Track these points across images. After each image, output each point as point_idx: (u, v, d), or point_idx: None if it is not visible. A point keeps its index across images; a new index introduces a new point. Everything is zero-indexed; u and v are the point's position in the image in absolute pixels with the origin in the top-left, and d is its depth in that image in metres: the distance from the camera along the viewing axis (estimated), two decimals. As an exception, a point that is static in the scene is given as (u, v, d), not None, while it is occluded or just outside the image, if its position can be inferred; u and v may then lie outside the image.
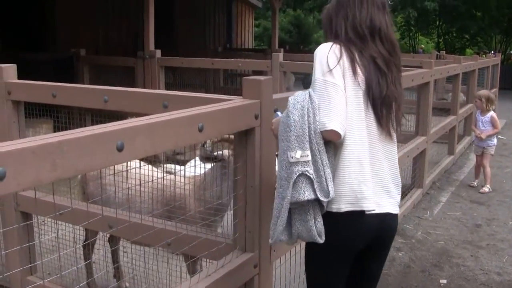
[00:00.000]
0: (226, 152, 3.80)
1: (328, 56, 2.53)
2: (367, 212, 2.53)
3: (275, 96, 3.10)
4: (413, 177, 7.62)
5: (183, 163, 6.08)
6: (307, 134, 2.40)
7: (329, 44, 2.60)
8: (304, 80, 18.87)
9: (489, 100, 8.39)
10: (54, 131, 7.51)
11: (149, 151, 2.23)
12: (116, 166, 3.06)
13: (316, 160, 2.41)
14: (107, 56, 11.48)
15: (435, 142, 8.84)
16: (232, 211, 3.21)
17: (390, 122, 2.63)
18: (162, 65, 9.16)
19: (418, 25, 35.76)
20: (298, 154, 2.39)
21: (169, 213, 3.68)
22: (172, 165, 5.18)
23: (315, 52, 2.61)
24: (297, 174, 2.39)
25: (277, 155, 2.85)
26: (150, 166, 3.78)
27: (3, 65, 3.65)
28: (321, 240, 2.48)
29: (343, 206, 2.50)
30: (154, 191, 3.80)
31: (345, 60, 2.54)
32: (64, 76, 9.06)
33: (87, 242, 4.45)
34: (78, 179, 4.41)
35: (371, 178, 2.56)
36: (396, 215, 2.72)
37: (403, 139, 7.42)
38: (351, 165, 2.51)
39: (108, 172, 3.81)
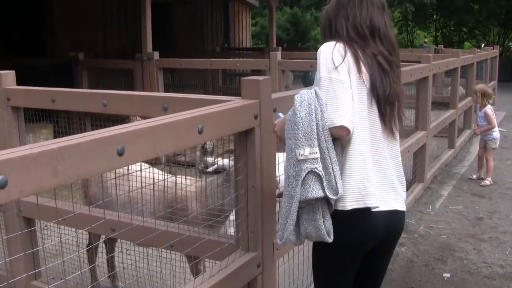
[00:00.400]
0: (226, 161, 3.80)
1: (333, 54, 2.53)
2: (373, 210, 2.54)
3: (274, 95, 3.11)
4: (414, 172, 7.63)
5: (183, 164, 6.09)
6: (315, 131, 2.39)
7: (333, 43, 2.60)
8: (304, 78, 18.89)
9: (485, 95, 8.34)
10: (54, 136, 7.56)
11: (150, 155, 2.24)
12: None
13: (324, 158, 2.40)
14: (106, 59, 11.49)
15: (435, 136, 8.85)
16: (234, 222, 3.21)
17: (392, 120, 2.65)
18: (160, 66, 9.17)
19: (416, 19, 35.73)
20: (306, 151, 2.38)
21: (171, 215, 3.70)
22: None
23: (318, 51, 2.61)
24: (306, 171, 2.37)
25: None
26: (153, 169, 3.79)
27: (1, 72, 3.66)
28: (330, 239, 2.47)
29: (348, 204, 2.51)
30: (156, 193, 3.81)
31: (350, 58, 2.55)
32: (63, 80, 9.10)
33: (91, 246, 4.47)
34: (80, 183, 4.42)
35: (375, 175, 2.57)
36: (403, 212, 2.73)
37: (403, 134, 7.44)
38: (354, 162, 2.52)
39: (109, 175, 3.82)
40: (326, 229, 2.45)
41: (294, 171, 2.41)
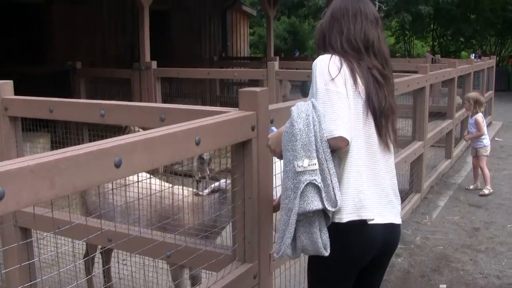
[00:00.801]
0: (223, 182, 3.79)
1: (329, 65, 2.55)
2: (369, 222, 2.54)
3: (271, 107, 3.12)
4: (411, 182, 7.64)
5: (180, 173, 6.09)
6: (314, 142, 2.38)
7: (328, 55, 2.62)
8: (302, 87, 18.91)
9: (477, 103, 8.41)
10: (52, 145, 7.56)
11: (147, 166, 2.24)
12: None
13: (323, 169, 2.39)
14: (104, 68, 11.49)
15: (432, 146, 8.87)
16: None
17: (388, 133, 2.65)
18: (158, 76, 9.18)
19: (413, 29, 35.85)
20: (305, 162, 2.36)
21: (167, 225, 3.70)
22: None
23: (314, 63, 2.62)
24: (305, 183, 2.36)
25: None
26: (151, 179, 3.80)
27: (-1, 82, 3.67)
28: (326, 253, 2.45)
29: (345, 216, 2.50)
30: (153, 203, 3.82)
31: (346, 70, 2.56)
32: (60, 89, 9.11)
33: (88, 257, 4.46)
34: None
35: (371, 188, 2.57)
36: (399, 225, 2.74)
37: (400, 145, 7.45)
38: (350, 174, 2.53)
39: (108, 184, 3.82)
40: (323, 243, 2.44)
41: (293, 183, 2.39)
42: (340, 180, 2.51)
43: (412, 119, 7.46)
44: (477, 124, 8.27)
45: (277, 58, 13.30)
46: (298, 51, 37.59)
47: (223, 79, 13.26)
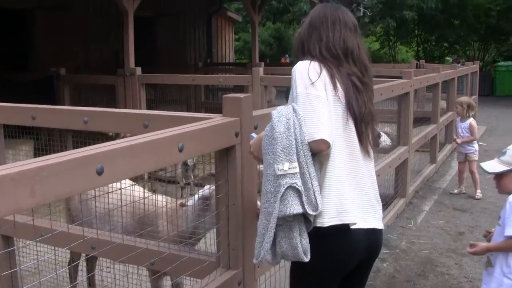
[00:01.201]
0: (207, 189, 3.77)
1: (308, 70, 2.55)
2: (352, 227, 2.53)
3: (255, 112, 3.11)
4: (396, 187, 7.66)
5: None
6: (294, 145, 2.37)
7: (308, 61, 2.62)
8: (287, 93, 18.92)
9: (469, 107, 8.45)
10: (35, 152, 7.50)
11: (130, 173, 2.23)
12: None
13: (303, 173, 2.38)
14: (88, 74, 11.44)
15: (417, 151, 8.90)
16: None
17: (368, 140, 2.67)
18: (143, 82, 9.13)
19: (398, 34, 36.06)
20: (286, 166, 2.35)
21: (150, 232, 3.68)
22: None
23: (293, 69, 2.62)
24: (285, 187, 2.34)
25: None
26: (136, 186, 3.78)
27: (-19, 89, 3.64)
28: (307, 259, 2.43)
29: (326, 220, 2.49)
30: (137, 210, 3.80)
31: (325, 74, 2.57)
32: (44, 96, 9.04)
33: (72, 264, 4.43)
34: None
35: (353, 193, 2.57)
36: (381, 230, 2.74)
37: (385, 150, 7.48)
38: (332, 178, 2.52)
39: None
40: (303, 248, 2.42)
41: (273, 187, 2.37)
42: (321, 184, 2.50)
43: (397, 124, 7.48)
44: (472, 129, 8.28)
45: (262, 64, 13.32)
46: (288, 55, 37.58)
47: (208, 85, 13.25)
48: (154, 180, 8.09)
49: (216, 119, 2.86)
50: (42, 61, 12.11)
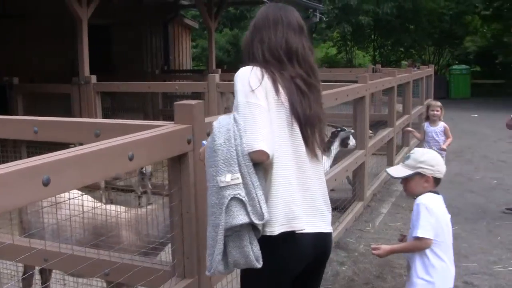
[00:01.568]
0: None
1: (250, 78, 2.54)
2: (298, 232, 2.52)
3: (207, 119, 3.09)
4: (353, 191, 7.71)
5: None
6: (235, 156, 2.37)
7: (249, 67, 2.61)
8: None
9: (442, 110, 8.30)
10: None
11: (78, 184, 2.19)
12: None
13: (246, 183, 2.37)
14: (43, 83, 11.26)
15: (374, 154, 8.97)
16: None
17: (315, 142, 2.65)
18: (98, 90, 9.03)
19: (354, 39, 36.47)
20: (228, 177, 2.35)
21: (104, 243, 3.62)
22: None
23: (235, 75, 2.61)
24: (229, 198, 2.34)
25: None
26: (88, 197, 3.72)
27: None
28: (259, 265, 2.44)
29: (276, 228, 2.49)
30: (89, 220, 3.73)
31: (267, 81, 2.55)
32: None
33: (22, 277, 4.33)
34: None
35: (301, 198, 2.57)
36: (330, 233, 2.75)
37: (341, 154, 7.53)
38: (279, 186, 2.51)
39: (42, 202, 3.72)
40: (254, 255, 2.42)
41: (217, 199, 2.37)
42: (268, 192, 2.50)
43: (353, 128, 7.53)
44: (447, 131, 8.08)
45: (219, 70, 13.29)
46: None
47: (166, 92, 13.17)
48: (112, 189, 8.01)
49: (167, 127, 2.83)
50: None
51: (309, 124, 2.61)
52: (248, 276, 2.66)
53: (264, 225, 2.46)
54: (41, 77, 12.11)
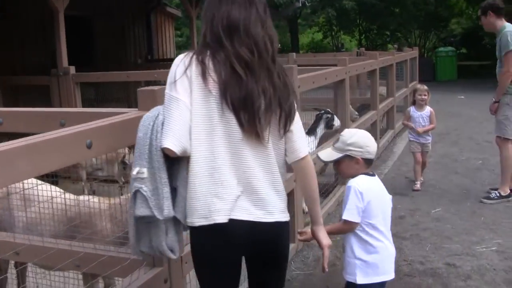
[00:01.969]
0: None
1: (177, 68, 2.50)
2: (226, 221, 2.46)
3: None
4: (336, 175, 7.67)
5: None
6: (147, 151, 2.41)
7: (182, 55, 2.55)
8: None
9: (429, 94, 8.12)
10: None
11: (32, 174, 2.14)
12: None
13: (155, 178, 2.41)
14: (22, 76, 11.16)
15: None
16: None
17: (256, 123, 2.45)
18: (77, 81, 8.96)
19: (340, 24, 36.42)
20: (135, 171, 2.42)
21: (73, 233, 3.57)
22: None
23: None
24: (134, 190, 2.41)
25: None
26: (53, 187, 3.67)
27: None
28: (174, 256, 2.54)
29: (196, 220, 2.48)
30: (58, 211, 3.68)
31: (194, 69, 2.46)
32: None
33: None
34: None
35: (235, 187, 2.47)
36: (275, 222, 2.57)
37: (325, 138, 7.48)
38: (201, 179, 2.46)
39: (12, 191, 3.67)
40: (168, 245, 2.49)
41: (131, 189, 2.44)
42: (189, 185, 2.49)
43: (334, 112, 7.46)
44: (432, 117, 7.96)
45: (201, 58, 13.20)
46: None
47: (149, 82, 13.08)
48: (94, 180, 7.94)
49: (129, 114, 2.78)
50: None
51: (247, 106, 2.43)
52: (193, 262, 2.69)
53: (186, 216, 2.50)
54: (23, 71, 12.03)
